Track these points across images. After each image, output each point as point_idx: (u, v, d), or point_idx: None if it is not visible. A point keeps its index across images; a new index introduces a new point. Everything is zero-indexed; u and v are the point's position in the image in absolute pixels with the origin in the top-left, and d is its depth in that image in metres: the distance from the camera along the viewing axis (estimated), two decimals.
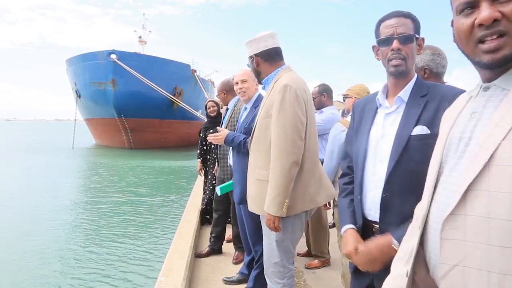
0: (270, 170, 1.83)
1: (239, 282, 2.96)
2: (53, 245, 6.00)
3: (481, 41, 0.74)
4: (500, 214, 0.65)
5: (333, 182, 2.49)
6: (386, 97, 1.36)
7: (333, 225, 3.67)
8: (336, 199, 2.08)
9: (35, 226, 7.05)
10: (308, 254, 3.57)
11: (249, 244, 2.69)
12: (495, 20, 0.71)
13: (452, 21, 0.82)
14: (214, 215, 3.74)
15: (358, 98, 2.60)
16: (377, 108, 1.37)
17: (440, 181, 0.82)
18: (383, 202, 1.25)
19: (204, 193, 4.60)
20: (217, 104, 4.31)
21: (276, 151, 1.81)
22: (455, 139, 0.80)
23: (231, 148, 2.75)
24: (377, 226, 1.28)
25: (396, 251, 1.20)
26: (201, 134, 4.44)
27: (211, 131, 3.98)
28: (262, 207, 1.88)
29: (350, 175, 1.48)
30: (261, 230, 2.07)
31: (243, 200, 2.28)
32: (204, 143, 4.44)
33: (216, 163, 3.62)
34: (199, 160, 4.54)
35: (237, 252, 3.52)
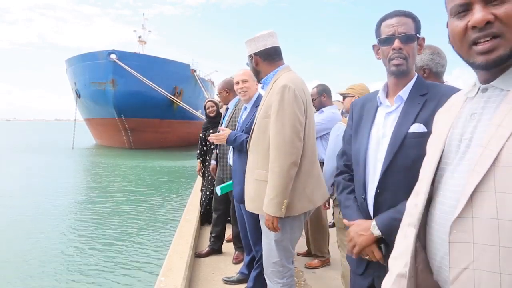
0: (269, 171, 1.83)
1: (239, 282, 2.96)
2: (53, 244, 6.00)
3: (475, 43, 0.75)
4: (508, 215, 0.65)
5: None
6: (386, 96, 1.36)
7: (333, 225, 3.67)
8: (336, 197, 2.08)
9: (35, 225, 7.06)
10: (308, 253, 3.57)
11: (249, 244, 2.69)
12: (488, 22, 0.72)
13: (447, 23, 0.83)
14: (214, 215, 3.73)
15: None
16: (377, 107, 1.37)
17: (441, 182, 0.82)
18: (377, 197, 1.26)
19: (202, 194, 4.57)
20: (216, 104, 4.30)
21: (275, 151, 1.81)
22: (455, 140, 0.80)
23: (231, 148, 2.74)
24: None
25: (373, 236, 1.22)
26: (200, 135, 4.43)
27: (211, 131, 3.97)
28: (260, 207, 1.88)
29: (348, 173, 1.47)
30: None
31: (243, 200, 2.28)
32: (204, 143, 4.44)
33: (216, 163, 3.61)
34: (199, 160, 4.53)
35: (237, 252, 3.52)
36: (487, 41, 0.73)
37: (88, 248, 5.85)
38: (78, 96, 26.77)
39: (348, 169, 1.48)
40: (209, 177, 4.27)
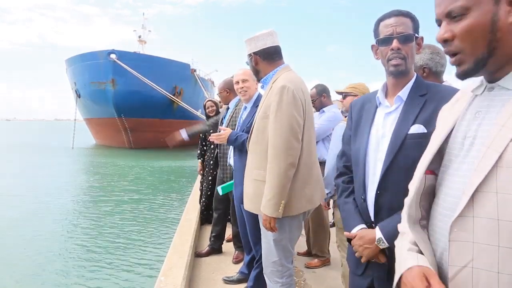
0: (267, 171, 1.83)
1: (239, 281, 2.96)
2: (53, 243, 6.01)
3: (449, 55, 0.79)
4: (509, 216, 0.65)
5: None
6: (386, 96, 1.36)
7: (333, 225, 3.67)
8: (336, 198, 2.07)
9: (35, 225, 7.06)
10: (308, 253, 3.57)
11: (249, 243, 2.69)
12: (446, 40, 0.76)
13: None
14: (214, 215, 3.74)
15: None
16: (376, 107, 1.36)
17: (444, 179, 0.82)
18: (377, 199, 1.26)
19: (201, 193, 4.58)
20: (215, 104, 4.30)
21: (273, 152, 1.81)
22: (459, 137, 0.81)
23: (231, 147, 2.74)
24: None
25: (380, 248, 1.23)
26: (201, 134, 4.43)
27: (211, 131, 3.97)
28: (259, 207, 1.89)
29: (348, 174, 1.47)
30: None
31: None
32: (204, 143, 4.43)
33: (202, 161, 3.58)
34: (199, 160, 4.53)
35: (237, 252, 3.52)
36: (452, 56, 0.77)
37: (88, 247, 5.86)
38: (78, 96, 26.76)
39: (348, 170, 1.47)
40: (209, 177, 4.27)
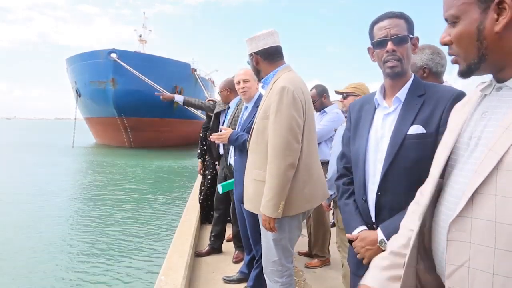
0: (267, 172, 1.84)
1: (239, 281, 2.96)
2: (53, 243, 6.00)
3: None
4: (506, 219, 0.66)
5: None
6: (384, 98, 1.36)
7: (333, 225, 3.67)
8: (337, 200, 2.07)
9: (35, 224, 7.06)
10: (308, 253, 3.57)
11: (249, 243, 2.69)
12: (446, 44, 0.80)
13: None
14: (215, 214, 3.74)
15: None
16: (375, 109, 1.37)
17: (449, 179, 0.83)
18: (378, 200, 1.26)
19: (200, 193, 4.57)
20: (216, 103, 4.29)
21: (273, 153, 1.82)
22: (465, 137, 0.81)
23: (232, 147, 2.74)
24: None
25: (382, 249, 1.22)
26: (201, 134, 4.43)
27: (211, 130, 3.96)
28: (258, 207, 1.89)
29: (348, 176, 1.47)
30: None
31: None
32: (204, 143, 4.43)
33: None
34: (200, 160, 4.53)
35: (237, 251, 3.52)
36: (453, 58, 0.81)
37: (88, 247, 5.86)
38: (78, 95, 26.75)
39: (348, 172, 1.48)
40: (209, 176, 4.27)
